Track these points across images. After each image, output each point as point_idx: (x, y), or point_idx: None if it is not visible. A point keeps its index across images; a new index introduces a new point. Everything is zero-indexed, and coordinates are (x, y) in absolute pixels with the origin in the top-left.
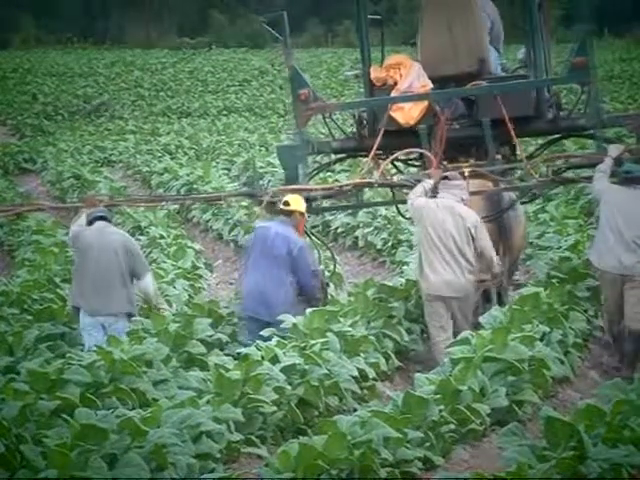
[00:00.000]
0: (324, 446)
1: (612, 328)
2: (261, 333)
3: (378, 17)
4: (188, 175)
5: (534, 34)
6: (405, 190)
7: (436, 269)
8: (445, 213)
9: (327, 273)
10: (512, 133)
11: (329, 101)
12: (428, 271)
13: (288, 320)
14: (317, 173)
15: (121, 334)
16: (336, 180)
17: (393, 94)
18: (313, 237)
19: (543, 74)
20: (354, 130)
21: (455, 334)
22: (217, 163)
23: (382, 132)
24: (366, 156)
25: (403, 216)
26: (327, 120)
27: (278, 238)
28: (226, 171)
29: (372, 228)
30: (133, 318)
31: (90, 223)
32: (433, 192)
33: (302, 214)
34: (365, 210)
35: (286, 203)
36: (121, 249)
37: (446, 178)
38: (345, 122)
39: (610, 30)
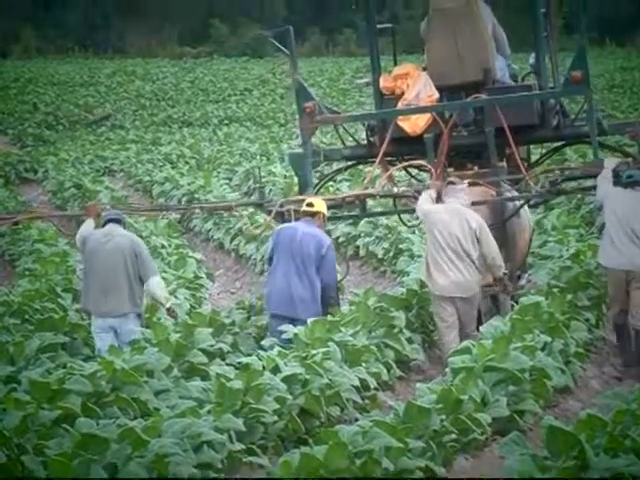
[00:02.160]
0: (325, 456)
1: (617, 325)
2: (279, 328)
3: (389, 25)
4: (189, 184)
5: (539, 42)
6: (410, 200)
7: (443, 270)
8: (452, 215)
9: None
10: (511, 142)
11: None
12: (435, 273)
13: (290, 330)
14: (327, 181)
15: (132, 335)
16: (337, 189)
17: (400, 104)
18: None
19: (549, 82)
20: (364, 137)
21: (461, 335)
22: (218, 172)
23: (391, 140)
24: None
25: (406, 225)
26: (337, 127)
27: (306, 237)
28: (227, 180)
29: (373, 238)
30: (138, 329)
31: (103, 225)
32: (438, 198)
33: (324, 215)
34: (366, 220)
35: (310, 204)
36: (128, 251)
37: (451, 183)
38: (350, 128)
39: (612, 39)
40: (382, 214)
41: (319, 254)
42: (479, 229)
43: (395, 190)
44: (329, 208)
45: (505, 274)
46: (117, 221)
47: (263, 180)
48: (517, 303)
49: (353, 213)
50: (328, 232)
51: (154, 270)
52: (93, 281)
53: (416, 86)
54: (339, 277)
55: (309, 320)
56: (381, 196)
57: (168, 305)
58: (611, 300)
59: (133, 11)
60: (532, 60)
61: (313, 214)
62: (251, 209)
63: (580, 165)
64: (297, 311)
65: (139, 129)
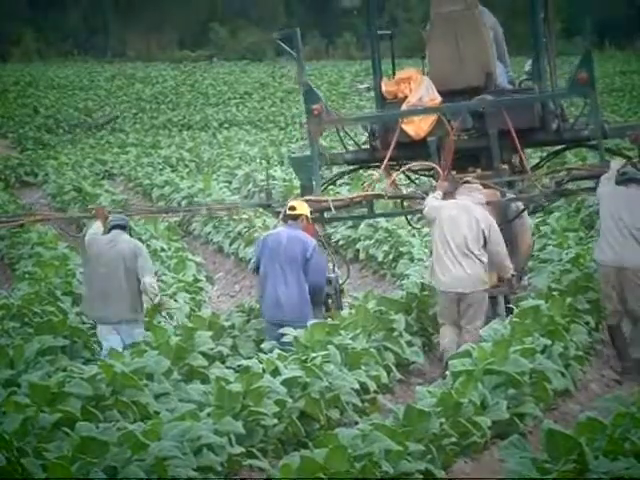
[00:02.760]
0: (325, 459)
1: (610, 327)
2: (280, 331)
3: (388, 32)
4: (189, 188)
5: (539, 47)
6: (416, 201)
7: (447, 267)
8: (461, 211)
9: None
10: (516, 143)
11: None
12: (439, 269)
13: (290, 333)
14: (331, 184)
15: (133, 341)
16: (337, 193)
17: (403, 107)
18: (328, 247)
19: (548, 86)
20: (367, 141)
21: (467, 334)
22: (218, 176)
23: (394, 144)
24: (378, 167)
25: (412, 225)
26: (339, 131)
27: (291, 241)
28: (227, 184)
29: (373, 241)
30: (139, 330)
31: (109, 231)
32: (445, 200)
33: (307, 217)
34: (366, 223)
35: (292, 208)
36: (130, 256)
37: (467, 182)
38: (351, 132)
39: (611, 42)
40: (388, 215)
41: (304, 256)
42: (488, 229)
43: (403, 191)
44: (337, 209)
45: (513, 275)
46: (122, 227)
47: (262, 183)
48: (516, 307)
49: (357, 215)
50: (328, 235)
51: (149, 270)
52: (95, 286)
53: (419, 90)
54: (340, 281)
55: (297, 322)
56: (389, 197)
57: (157, 300)
58: (603, 298)
59: (133, 15)
60: (528, 67)
61: (296, 217)
62: (250, 212)
63: (586, 166)
64: (285, 315)
65: (139, 132)
